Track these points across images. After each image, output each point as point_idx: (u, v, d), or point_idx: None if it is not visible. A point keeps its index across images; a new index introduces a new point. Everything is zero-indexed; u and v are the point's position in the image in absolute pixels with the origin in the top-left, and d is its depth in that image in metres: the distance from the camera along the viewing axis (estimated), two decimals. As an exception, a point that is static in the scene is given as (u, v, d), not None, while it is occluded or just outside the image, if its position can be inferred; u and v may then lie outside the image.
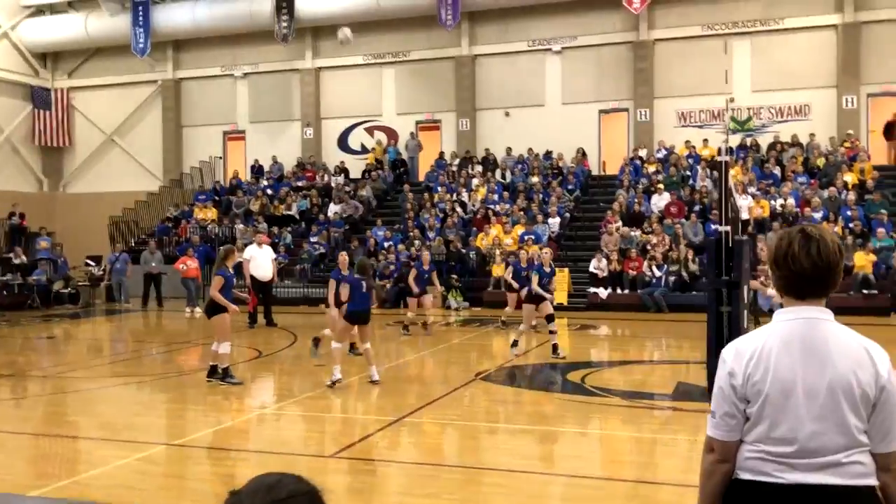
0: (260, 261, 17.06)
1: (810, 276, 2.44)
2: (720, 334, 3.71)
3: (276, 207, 26.01)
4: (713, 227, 20.26)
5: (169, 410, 9.39)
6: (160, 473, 6.65)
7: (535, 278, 12.00)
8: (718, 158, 4.05)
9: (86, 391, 10.24)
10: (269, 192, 26.88)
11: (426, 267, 15.94)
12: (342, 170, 27.49)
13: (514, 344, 12.50)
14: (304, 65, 28.69)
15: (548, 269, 12.28)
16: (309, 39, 28.41)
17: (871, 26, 23.28)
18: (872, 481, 2.34)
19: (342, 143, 28.77)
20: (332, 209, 25.18)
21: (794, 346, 2.40)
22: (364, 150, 28.34)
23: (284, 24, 27.24)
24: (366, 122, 28.42)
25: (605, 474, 6.59)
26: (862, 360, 2.36)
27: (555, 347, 11.90)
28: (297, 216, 25.63)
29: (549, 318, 12.03)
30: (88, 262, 25.03)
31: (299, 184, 27.02)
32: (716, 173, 22.34)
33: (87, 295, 23.53)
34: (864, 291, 17.68)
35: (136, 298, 22.54)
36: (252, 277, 16.90)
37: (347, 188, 26.11)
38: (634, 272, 19.61)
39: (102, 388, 10.52)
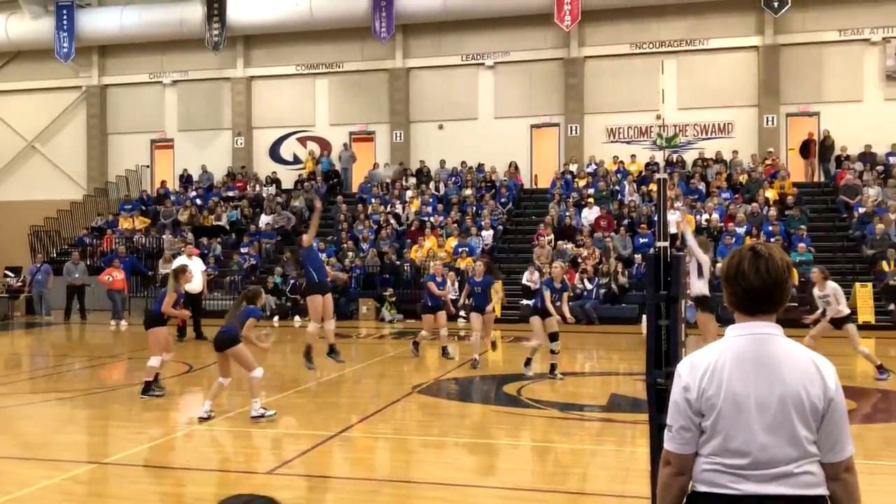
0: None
1: (760, 293, 2.51)
2: (659, 348, 3.83)
3: (205, 218, 25.54)
4: (641, 240, 20.90)
5: (95, 427, 9.10)
6: (89, 493, 6.45)
7: (546, 294, 11.37)
8: (657, 175, 4.16)
9: (4, 408, 9.84)
10: (198, 202, 26.37)
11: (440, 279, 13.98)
12: (273, 180, 27.17)
13: (528, 363, 11.59)
14: (235, 73, 28.30)
15: (558, 285, 11.58)
16: (241, 48, 28.07)
17: (789, 49, 24.27)
18: (822, 491, 2.43)
19: (274, 153, 28.46)
20: (264, 220, 24.86)
21: (746, 361, 2.48)
22: (296, 160, 28.10)
23: (216, 32, 26.85)
24: (298, 132, 28.18)
25: (543, 486, 6.66)
26: (811, 373, 2.44)
27: (552, 367, 11.32)
28: (227, 227, 25.22)
29: (553, 337, 11.36)
30: (7, 273, 24.10)
31: (229, 194, 26.60)
32: (644, 188, 22.98)
33: (6, 307, 22.65)
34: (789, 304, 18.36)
35: (59, 311, 21.80)
36: (181, 290, 16.51)
37: (279, 199, 25.82)
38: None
39: (23, 405, 10.14)
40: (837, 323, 10.85)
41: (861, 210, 20.97)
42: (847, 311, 11.01)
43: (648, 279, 4.07)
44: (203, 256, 20.74)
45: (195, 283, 16.71)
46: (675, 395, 2.56)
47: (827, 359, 2.51)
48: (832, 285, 10.95)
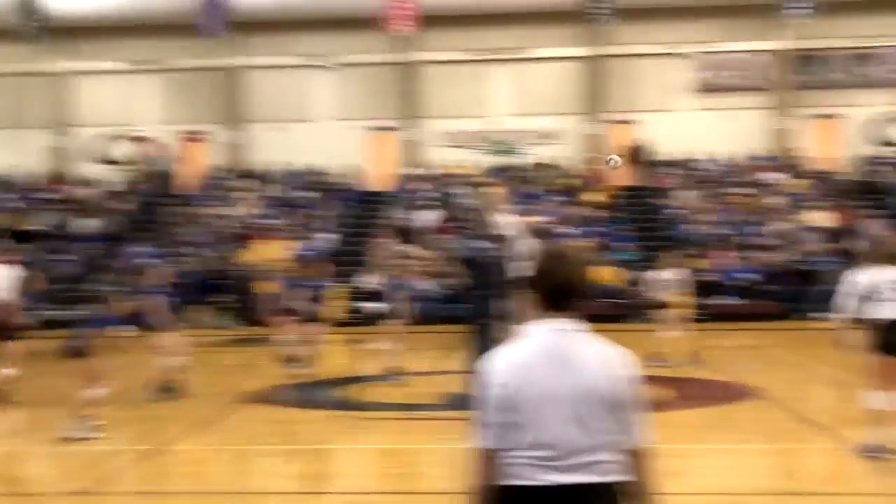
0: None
1: (562, 290, 2.68)
2: (482, 346, 4.00)
3: (19, 222, 23.76)
4: (476, 243, 21.47)
5: None
6: None
7: (388, 295, 11.63)
8: (481, 179, 4.35)
9: None
10: (10, 205, 24.51)
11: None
12: (97, 182, 25.70)
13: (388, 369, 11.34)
14: (52, 68, 26.53)
15: (398, 287, 11.74)
16: (60, 41, 26.33)
17: (610, 60, 25.74)
18: (621, 477, 2.63)
19: (97, 153, 26.91)
20: (85, 224, 23.45)
21: (550, 356, 2.62)
22: (122, 161, 26.71)
23: (32, 24, 25.02)
24: (124, 131, 26.81)
25: (381, 488, 6.74)
26: (609, 366, 2.64)
27: (392, 370, 11.28)
28: (46, 232, 23.59)
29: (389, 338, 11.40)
30: None
31: (47, 196, 24.90)
32: (478, 191, 23.61)
33: None
34: (612, 301, 19.47)
35: None
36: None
37: (104, 202, 24.44)
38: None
39: None
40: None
41: (671, 211, 22.59)
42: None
43: (474, 279, 4.24)
44: (17, 263, 19.28)
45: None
46: (483, 391, 2.66)
47: (627, 350, 2.70)
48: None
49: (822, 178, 23.92)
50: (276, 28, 25.94)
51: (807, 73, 25.53)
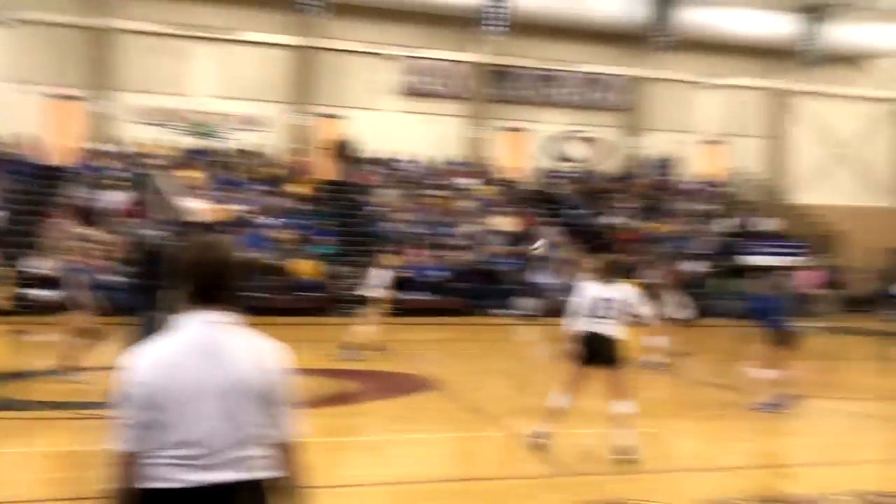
0: None
1: (211, 283, 2.58)
2: (141, 339, 3.67)
3: None
4: (149, 229, 20.22)
5: None
6: None
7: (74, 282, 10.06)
8: (175, 161, 3.96)
9: None
10: None
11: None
12: None
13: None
14: None
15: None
16: None
17: (320, 53, 25.69)
18: (272, 473, 2.57)
19: None
20: None
21: (197, 350, 2.51)
22: None
23: None
24: None
25: (48, 496, 6.02)
26: (259, 359, 2.56)
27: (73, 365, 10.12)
28: None
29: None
30: None
31: None
32: (169, 174, 22.32)
33: None
34: (311, 294, 19.42)
35: None
36: None
37: None
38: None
39: None
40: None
41: (371, 208, 23.12)
42: None
43: (140, 267, 3.85)
44: None
45: None
46: (125, 389, 2.49)
47: (279, 343, 2.63)
48: None
49: (507, 185, 25.90)
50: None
51: (499, 87, 27.49)
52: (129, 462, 2.48)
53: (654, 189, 26.95)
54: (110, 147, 23.39)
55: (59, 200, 20.40)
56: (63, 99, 23.85)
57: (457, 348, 15.17)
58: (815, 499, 6.24)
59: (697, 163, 28.75)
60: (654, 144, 28.23)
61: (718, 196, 27.53)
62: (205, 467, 2.46)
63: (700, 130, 28.94)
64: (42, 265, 18.26)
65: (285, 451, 2.60)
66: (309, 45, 25.49)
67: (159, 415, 2.46)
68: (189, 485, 2.45)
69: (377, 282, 12.75)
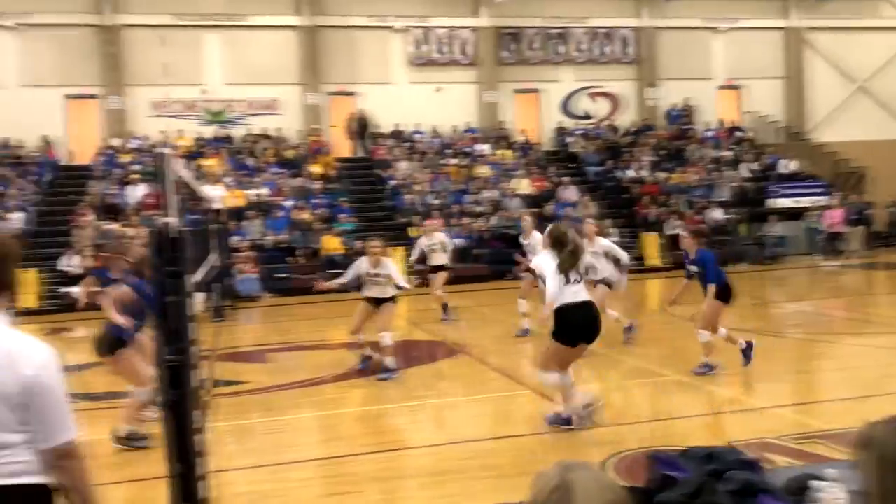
0: None
1: None
2: (170, 325, 3.78)
3: None
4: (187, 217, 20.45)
5: None
6: None
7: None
8: (161, 150, 4.00)
9: None
10: None
11: None
12: None
13: None
14: None
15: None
16: None
17: (327, 31, 25.62)
18: (34, 479, 2.44)
19: None
20: None
21: None
22: None
23: None
24: None
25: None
26: (9, 360, 2.42)
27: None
28: None
29: None
30: None
31: None
32: (191, 163, 22.51)
33: None
34: (332, 272, 19.57)
35: None
36: None
37: None
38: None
39: None
40: None
41: (393, 182, 23.14)
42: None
43: (155, 255, 3.94)
44: None
45: None
46: None
47: (40, 342, 2.53)
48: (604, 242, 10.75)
49: (525, 148, 25.78)
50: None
51: (510, 49, 27.25)
52: None
53: (673, 139, 26.69)
54: (129, 142, 23.62)
55: (85, 199, 20.71)
56: (80, 98, 24.08)
57: (484, 314, 15.26)
58: (850, 434, 6.28)
59: (716, 109, 28.37)
60: (670, 94, 27.89)
61: (740, 141, 27.20)
62: None
63: (717, 76, 28.53)
64: (71, 263, 18.62)
65: (54, 457, 2.47)
66: (317, 24, 25.42)
67: None
68: None
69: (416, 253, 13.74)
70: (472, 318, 14.46)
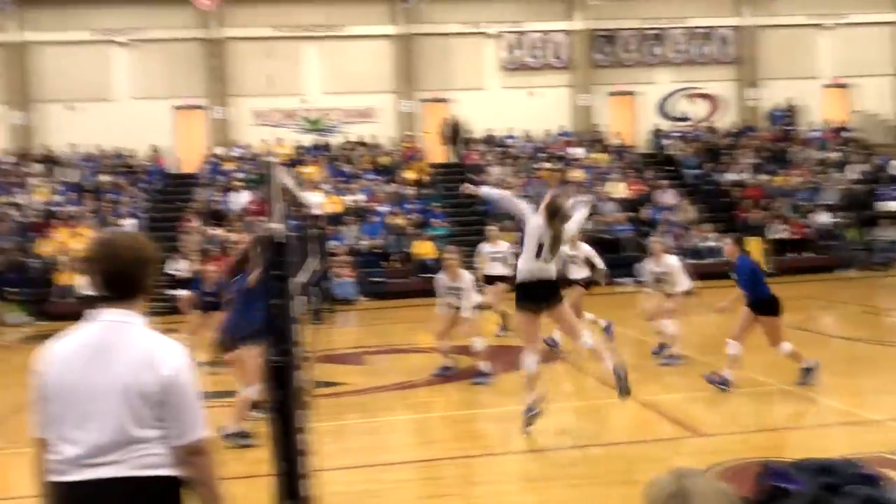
0: None
1: (112, 280, 2.58)
2: (277, 327, 3.93)
3: None
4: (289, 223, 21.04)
5: None
6: None
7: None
8: (266, 158, 4.17)
9: None
10: None
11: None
12: None
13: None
14: None
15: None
16: None
17: (421, 38, 25.95)
18: (162, 472, 2.53)
19: None
20: None
21: (89, 348, 2.53)
22: None
23: None
24: None
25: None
26: (147, 360, 2.52)
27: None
28: None
29: None
30: None
31: None
32: (292, 170, 23.16)
33: None
34: (426, 276, 19.76)
35: None
36: None
37: None
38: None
39: None
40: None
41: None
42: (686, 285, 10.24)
43: (263, 260, 4.09)
44: None
45: None
46: (36, 381, 2.58)
47: (176, 343, 2.61)
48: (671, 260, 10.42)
49: (621, 151, 25.40)
50: (63, 1, 24.04)
51: (605, 52, 26.93)
52: (39, 448, 2.58)
53: (776, 141, 25.79)
54: (232, 150, 24.49)
55: (191, 205, 21.59)
56: (187, 109, 25.14)
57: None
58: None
59: (822, 109, 27.27)
60: (772, 94, 26.98)
61: (847, 142, 26.06)
62: (87, 465, 2.47)
63: (822, 74, 27.43)
64: (179, 267, 19.41)
65: (185, 453, 2.55)
66: (411, 32, 25.78)
67: (53, 408, 2.52)
68: (72, 480, 2.47)
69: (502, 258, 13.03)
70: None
